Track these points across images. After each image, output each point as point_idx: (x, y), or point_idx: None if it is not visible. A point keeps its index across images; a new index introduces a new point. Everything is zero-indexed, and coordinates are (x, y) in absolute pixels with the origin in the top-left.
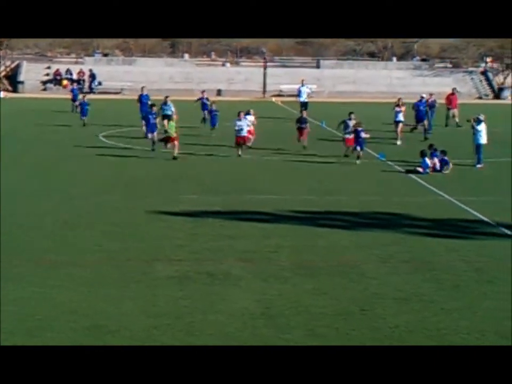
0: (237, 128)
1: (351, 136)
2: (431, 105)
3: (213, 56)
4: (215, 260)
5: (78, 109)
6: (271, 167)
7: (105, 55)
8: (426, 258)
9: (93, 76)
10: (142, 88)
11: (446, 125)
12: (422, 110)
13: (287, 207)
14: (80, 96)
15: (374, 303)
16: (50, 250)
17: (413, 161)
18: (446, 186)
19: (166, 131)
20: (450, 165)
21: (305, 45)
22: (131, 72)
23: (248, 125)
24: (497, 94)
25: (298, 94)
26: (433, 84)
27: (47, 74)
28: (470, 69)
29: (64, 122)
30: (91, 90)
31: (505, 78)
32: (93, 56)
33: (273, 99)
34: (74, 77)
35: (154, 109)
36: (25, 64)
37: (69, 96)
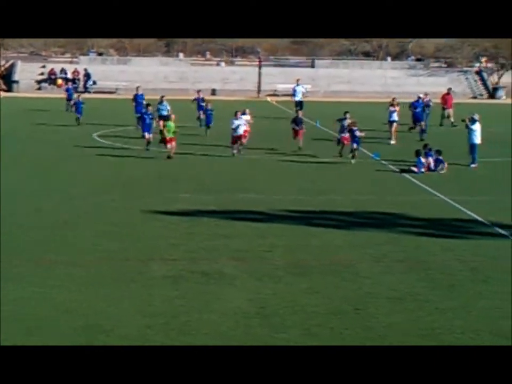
0: (233, 127)
1: (347, 135)
2: (426, 105)
3: (208, 56)
4: (210, 259)
5: (73, 108)
6: (266, 167)
7: (100, 54)
8: (421, 258)
9: (87, 75)
10: (137, 87)
11: (441, 125)
12: (419, 110)
13: (281, 207)
14: (75, 96)
15: (368, 302)
16: (49, 250)
17: (408, 160)
18: (441, 185)
19: (161, 131)
20: (445, 164)
21: (300, 45)
22: (126, 72)
23: (244, 124)
24: (492, 93)
25: (294, 93)
26: (428, 83)
27: (42, 74)
28: (465, 68)
29: (60, 121)
30: (86, 90)
31: (499, 78)
32: (88, 55)
33: (268, 99)
34: (69, 76)
35: (150, 108)
36: (19, 64)
37: (64, 95)
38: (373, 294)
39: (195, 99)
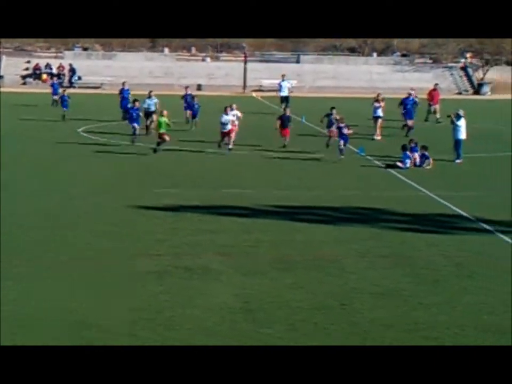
0: (223, 121)
1: (334, 129)
2: (414, 102)
3: (193, 51)
4: (194, 254)
5: (59, 103)
6: (251, 162)
7: (85, 49)
8: (406, 253)
9: (72, 71)
10: (123, 83)
11: (426, 120)
12: (409, 107)
13: (266, 202)
14: (60, 90)
15: (353, 297)
16: (30, 246)
17: (393, 156)
18: (426, 181)
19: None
20: (431, 160)
21: (286, 40)
22: (111, 67)
23: (233, 120)
24: (477, 89)
25: (279, 89)
26: (413, 79)
27: (27, 69)
28: (450, 64)
29: (45, 116)
30: (71, 85)
31: (484, 74)
32: (73, 50)
33: (254, 94)
34: (54, 71)
35: (137, 104)
36: (4, 59)
37: (49, 90)
38: (357, 289)
39: (183, 96)
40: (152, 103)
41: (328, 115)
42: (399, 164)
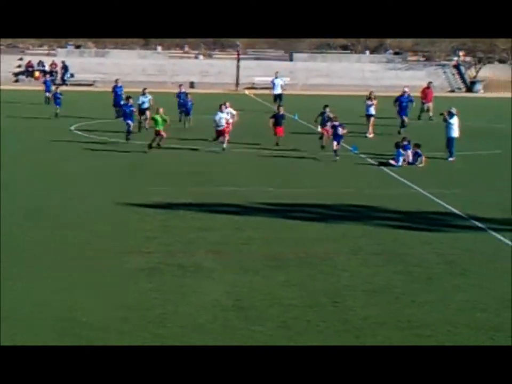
0: (217, 119)
1: (328, 127)
2: (410, 100)
3: (186, 49)
4: (186, 252)
5: (52, 100)
6: (244, 160)
7: (78, 46)
8: (398, 251)
9: (65, 68)
10: (117, 80)
11: (419, 118)
12: (405, 105)
13: (258, 200)
14: (53, 88)
15: (345, 295)
16: (27, 246)
17: (385, 154)
18: (418, 179)
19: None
20: (423, 158)
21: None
22: (104, 64)
23: (227, 118)
24: (470, 87)
25: (273, 86)
26: (406, 77)
27: (19, 66)
28: (443, 62)
29: (37, 114)
30: (63, 82)
31: (477, 72)
32: (66, 48)
33: (247, 91)
34: (47, 68)
35: (131, 101)
36: None
37: (42, 87)
38: (350, 287)
39: (178, 94)
40: (146, 100)
41: (322, 113)
42: (391, 161)
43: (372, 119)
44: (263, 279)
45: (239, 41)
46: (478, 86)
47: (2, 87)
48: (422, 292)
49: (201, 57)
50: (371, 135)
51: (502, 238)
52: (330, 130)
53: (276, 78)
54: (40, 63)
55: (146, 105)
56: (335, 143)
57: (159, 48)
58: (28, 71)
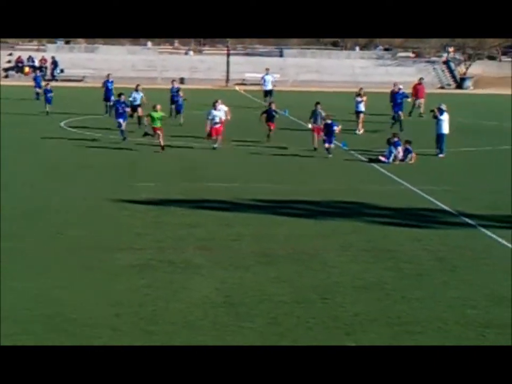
0: (210, 117)
1: (320, 125)
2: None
3: (176, 44)
4: (176, 248)
5: (42, 95)
6: (234, 156)
7: (67, 42)
8: (388, 247)
9: (55, 63)
10: (108, 75)
11: (410, 114)
12: (400, 101)
13: (248, 196)
14: (43, 84)
15: (335, 291)
16: (14, 235)
17: (375, 150)
18: (408, 175)
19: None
20: (413, 154)
21: None
22: (93, 60)
23: (220, 116)
24: (459, 83)
25: (263, 82)
26: (396, 73)
27: (9, 62)
28: (433, 58)
29: (27, 110)
30: (53, 78)
31: (467, 68)
32: (55, 43)
33: (237, 87)
34: (36, 64)
35: (123, 97)
36: None
37: (31, 83)
38: (340, 283)
39: (171, 89)
40: (139, 97)
41: (314, 111)
42: (381, 158)
43: (362, 115)
44: (253, 275)
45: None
46: (468, 83)
47: None
48: (412, 288)
49: (191, 53)
50: (361, 132)
51: (491, 234)
52: (322, 130)
53: (267, 74)
54: (30, 59)
55: (138, 102)
56: (328, 141)
57: (149, 44)
58: (18, 67)
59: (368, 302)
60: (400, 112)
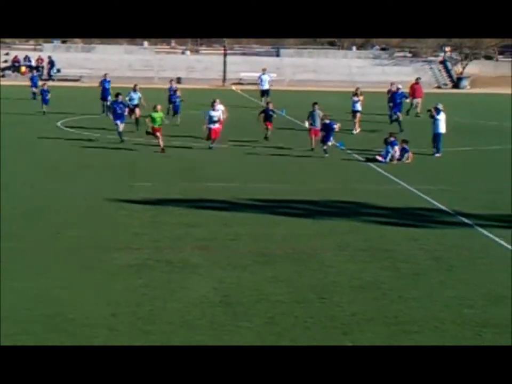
0: (208, 118)
1: (318, 127)
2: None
3: (173, 44)
4: (174, 248)
5: (38, 95)
6: (232, 156)
7: (64, 42)
8: (385, 247)
9: (51, 63)
10: (105, 74)
11: (407, 114)
12: (399, 102)
13: (246, 196)
14: (40, 83)
15: (332, 291)
16: (13, 235)
17: (372, 150)
18: (405, 175)
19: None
20: (410, 153)
21: None
22: (90, 60)
23: (219, 116)
24: (456, 83)
25: (260, 82)
26: (393, 73)
27: (6, 61)
28: (429, 58)
29: (24, 110)
30: (50, 77)
31: (463, 68)
32: (52, 43)
33: (233, 87)
34: (33, 63)
35: (120, 97)
36: None
37: (28, 83)
38: (337, 283)
39: (169, 89)
40: (136, 97)
41: (311, 112)
42: (378, 157)
43: (358, 115)
44: (250, 275)
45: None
46: (465, 82)
47: None
48: (409, 287)
49: (188, 52)
50: (357, 131)
51: (488, 234)
52: (320, 131)
53: (264, 74)
54: (27, 58)
55: (135, 102)
56: (326, 141)
57: (146, 44)
58: (14, 66)
59: (365, 302)
60: (399, 113)
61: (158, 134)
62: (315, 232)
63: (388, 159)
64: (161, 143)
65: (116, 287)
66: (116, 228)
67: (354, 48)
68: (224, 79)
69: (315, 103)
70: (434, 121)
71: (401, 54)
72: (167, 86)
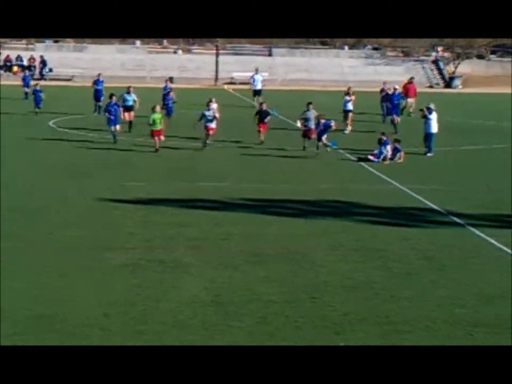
0: (207, 116)
1: (312, 127)
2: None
3: (165, 43)
4: (166, 247)
5: (30, 94)
6: (224, 155)
7: (56, 41)
8: (377, 247)
9: (43, 63)
10: (99, 74)
11: (401, 113)
12: (397, 103)
13: (238, 195)
14: (32, 83)
15: (324, 291)
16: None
17: (364, 149)
18: (397, 174)
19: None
20: (402, 153)
21: None
22: (82, 59)
23: (215, 116)
24: (448, 83)
25: (252, 82)
26: (385, 72)
27: None
28: (421, 57)
29: (16, 109)
30: (42, 77)
31: (456, 67)
32: (44, 42)
33: (225, 87)
34: (25, 63)
35: (115, 98)
36: None
37: (20, 82)
38: (329, 283)
39: (164, 88)
40: (131, 99)
41: (305, 112)
42: (370, 157)
43: (350, 114)
44: (242, 274)
45: None
46: (457, 82)
47: None
48: (400, 287)
49: (180, 52)
50: (349, 131)
51: (480, 233)
52: (314, 132)
53: (256, 73)
54: (19, 58)
55: (130, 104)
56: (320, 143)
57: (138, 43)
58: (6, 66)
59: (357, 301)
60: (396, 117)
61: (158, 137)
62: (307, 232)
63: (380, 159)
64: (157, 144)
65: (108, 287)
66: (109, 228)
67: (346, 47)
68: (216, 79)
69: (309, 103)
70: (426, 121)
71: (393, 53)
72: (159, 85)
